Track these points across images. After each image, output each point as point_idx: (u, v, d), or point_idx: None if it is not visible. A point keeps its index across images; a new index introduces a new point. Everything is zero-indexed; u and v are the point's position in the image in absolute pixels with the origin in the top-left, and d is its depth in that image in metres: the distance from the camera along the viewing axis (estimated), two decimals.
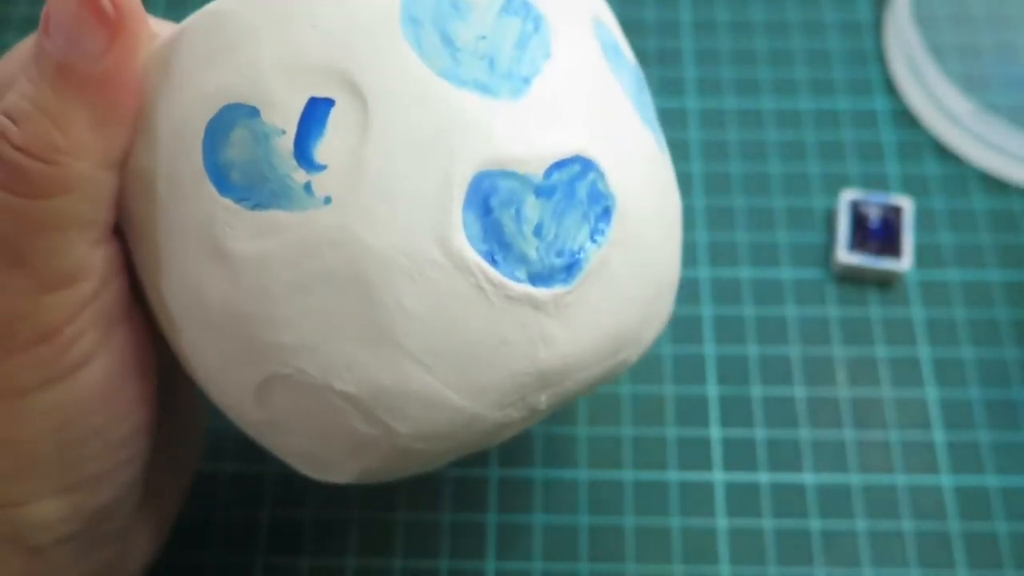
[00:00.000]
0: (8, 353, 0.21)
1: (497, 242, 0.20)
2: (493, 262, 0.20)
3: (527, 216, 0.20)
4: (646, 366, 0.34)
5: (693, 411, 0.34)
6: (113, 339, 0.23)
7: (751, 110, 0.40)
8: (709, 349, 0.35)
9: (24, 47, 0.24)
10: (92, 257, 0.22)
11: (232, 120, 0.20)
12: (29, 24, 0.43)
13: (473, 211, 0.20)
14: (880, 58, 0.41)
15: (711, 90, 0.40)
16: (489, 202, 0.20)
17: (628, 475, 0.32)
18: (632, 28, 0.42)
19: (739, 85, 0.40)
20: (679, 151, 0.39)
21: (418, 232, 0.20)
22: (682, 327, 0.35)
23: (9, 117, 0.20)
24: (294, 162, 0.20)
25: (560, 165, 0.21)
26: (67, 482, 0.23)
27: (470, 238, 0.20)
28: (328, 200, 0.20)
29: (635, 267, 0.22)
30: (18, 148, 0.20)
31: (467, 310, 0.20)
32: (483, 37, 0.21)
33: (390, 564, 0.31)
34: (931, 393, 0.34)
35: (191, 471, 0.29)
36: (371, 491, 0.28)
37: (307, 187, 0.20)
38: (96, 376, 0.22)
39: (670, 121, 0.40)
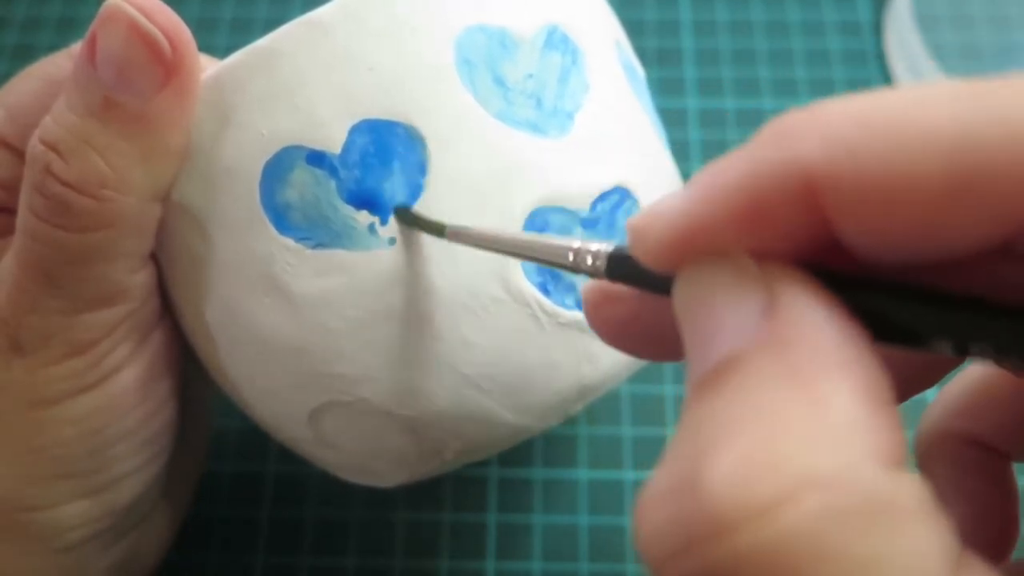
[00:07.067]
0: (42, 366, 0.21)
1: (549, 273, 0.21)
2: (546, 292, 0.21)
3: None
4: (646, 366, 0.34)
5: None
6: (146, 347, 0.23)
7: (751, 110, 0.40)
8: None
9: (43, 69, 0.23)
10: (130, 281, 0.22)
11: (291, 162, 0.21)
12: (29, 24, 0.43)
13: None
14: (880, 58, 0.41)
15: (711, 90, 0.40)
16: None
17: (628, 475, 0.32)
18: (632, 28, 0.42)
19: (739, 85, 0.40)
20: (679, 151, 0.39)
21: (481, 270, 0.21)
22: None
23: (55, 150, 0.20)
24: None
25: (603, 197, 0.22)
26: (96, 484, 0.23)
27: (525, 271, 0.21)
28: (392, 241, 0.21)
29: None
30: (64, 183, 0.20)
31: (523, 338, 0.21)
32: (530, 75, 0.22)
33: (390, 564, 0.31)
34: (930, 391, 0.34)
35: (204, 456, 0.29)
36: (371, 491, 0.28)
37: (371, 228, 0.21)
38: (128, 382, 0.22)
39: (670, 121, 0.40)
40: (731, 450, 0.11)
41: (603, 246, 0.15)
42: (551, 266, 0.17)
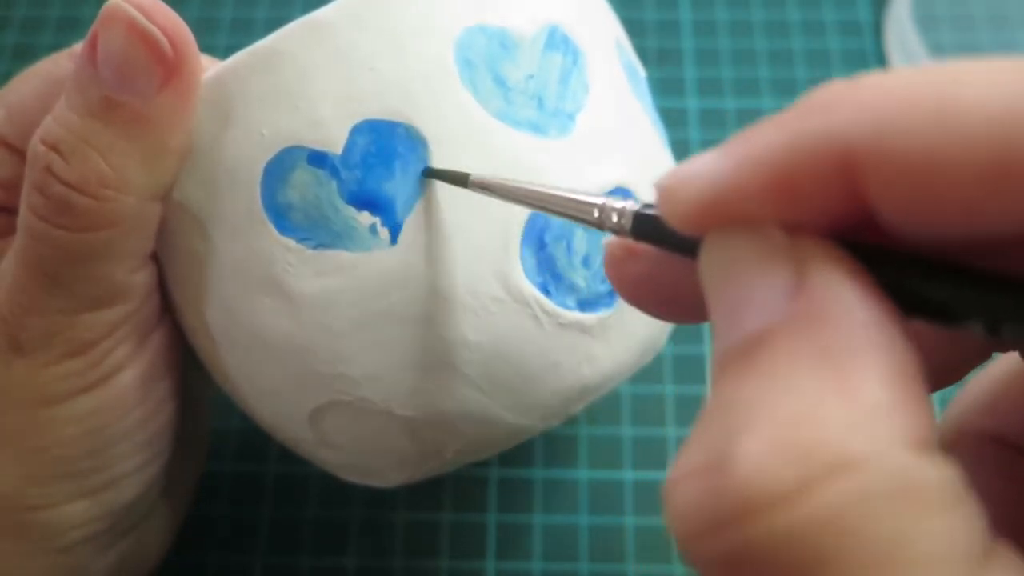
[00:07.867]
0: (42, 366, 0.21)
1: (551, 274, 0.21)
2: (547, 292, 0.21)
3: (576, 248, 0.22)
4: (646, 366, 0.34)
5: (693, 410, 0.34)
6: (146, 347, 0.23)
7: (751, 110, 0.40)
8: (709, 349, 0.35)
9: (44, 68, 0.23)
10: (130, 281, 0.22)
11: (292, 162, 0.21)
12: (29, 24, 0.43)
13: (529, 247, 0.21)
14: (880, 58, 0.41)
15: (711, 90, 0.40)
16: (543, 238, 0.21)
17: (628, 475, 0.32)
18: (632, 28, 0.42)
19: (739, 85, 0.40)
20: (679, 151, 0.39)
21: (481, 271, 0.21)
22: (683, 327, 0.35)
23: (55, 150, 0.20)
24: None
25: None
26: (97, 483, 0.23)
27: (526, 271, 0.21)
28: (393, 241, 0.21)
29: None
30: (65, 183, 0.20)
31: (523, 339, 0.21)
32: (531, 76, 0.22)
33: (390, 564, 0.31)
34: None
35: (204, 456, 0.29)
36: (371, 491, 0.28)
37: (372, 229, 0.21)
38: (128, 382, 0.22)
39: (670, 121, 0.40)
40: (762, 431, 0.11)
41: (629, 204, 0.15)
42: (576, 221, 0.17)
